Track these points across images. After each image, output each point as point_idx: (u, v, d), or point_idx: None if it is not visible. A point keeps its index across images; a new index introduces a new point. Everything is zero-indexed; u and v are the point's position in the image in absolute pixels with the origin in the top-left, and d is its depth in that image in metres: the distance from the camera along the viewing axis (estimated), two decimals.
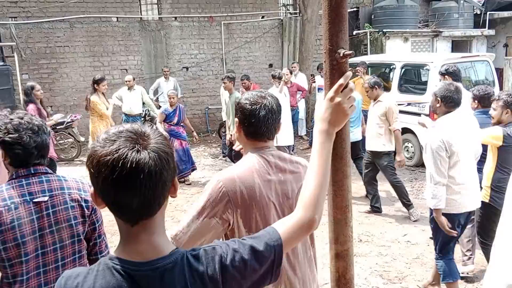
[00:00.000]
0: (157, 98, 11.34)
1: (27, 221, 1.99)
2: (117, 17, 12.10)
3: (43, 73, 11.48)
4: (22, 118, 2.07)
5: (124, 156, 1.07)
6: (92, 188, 1.15)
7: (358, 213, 6.24)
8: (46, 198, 2.04)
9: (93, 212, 2.15)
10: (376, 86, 6.09)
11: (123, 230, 1.17)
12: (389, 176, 6.19)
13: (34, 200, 2.02)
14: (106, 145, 1.09)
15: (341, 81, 1.41)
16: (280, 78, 7.91)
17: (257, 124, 1.97)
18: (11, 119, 2.05)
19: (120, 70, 12.17)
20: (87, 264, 2.16)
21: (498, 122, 4.09)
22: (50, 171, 2.14)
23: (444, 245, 3.92)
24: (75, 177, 2.21)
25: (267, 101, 2.01)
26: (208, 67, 13.14)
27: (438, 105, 3.86)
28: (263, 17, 13.62)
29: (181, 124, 8.12)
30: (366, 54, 13.17)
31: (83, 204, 2.12)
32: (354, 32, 14.05)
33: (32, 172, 2.07)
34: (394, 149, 6.15)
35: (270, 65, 13.77)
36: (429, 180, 3.76)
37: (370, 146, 6.26)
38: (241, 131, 2.03)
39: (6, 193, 2.01)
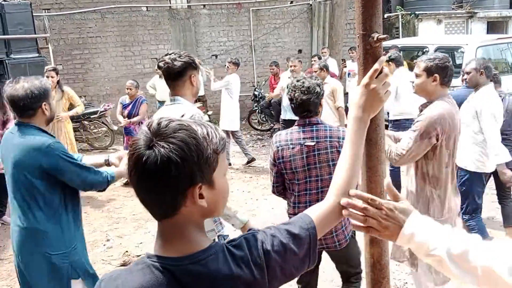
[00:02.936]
0: None
1: (299, 158, 2.94)
2: (146, 7, 12.20)
3: (76, 64, 11.71)
4: (298, 81, 2.99)
5: (139, 154, 1.05)
6: None
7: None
8: (313, 143, 2.90)
9: None
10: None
11: (159, 227, 1.16)
12: None
13: (305, 144, 2.92)
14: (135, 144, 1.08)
15: (375, 66, 1.38)
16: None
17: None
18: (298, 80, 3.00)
19: (150, 59, 12.30)
20: None
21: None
22: (321, 122, 2.99)
23: (474, 206, 4.40)
24: (339, 127, 3.04)
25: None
26: (237, 54, 13.12)
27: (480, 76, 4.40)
28: (291, 2, 13.48)
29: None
30: (398, 37, 12.90)
31: (340, 149, 2.50)
32: (385, 15, 13.76)
33: (307, 122, 2.97)
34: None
35: (300, 51, 13.66)
36: (492, 141, 4.19)
37: None
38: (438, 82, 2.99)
39: (289, 136, 2.98)
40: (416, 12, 13.03)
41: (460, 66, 8.31)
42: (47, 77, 6.58)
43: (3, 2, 7.66)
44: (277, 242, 1.21)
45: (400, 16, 13.36)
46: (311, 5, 13.56)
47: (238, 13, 12.99)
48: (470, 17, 13.55)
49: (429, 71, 3.00)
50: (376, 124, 1.47)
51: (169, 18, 12.43)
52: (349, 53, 11.21)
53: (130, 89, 7.42)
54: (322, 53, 11.08)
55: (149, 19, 12.25)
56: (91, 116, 10.20)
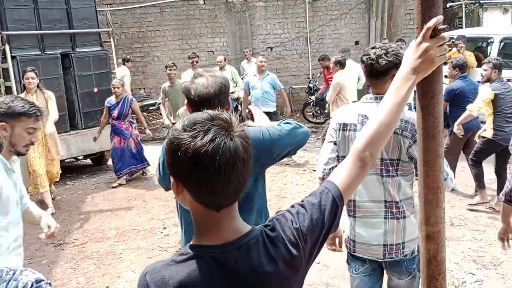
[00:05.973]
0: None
1: None
2: (203, 0, 12.38)
3: (136, 57, 12.09)
4: None
5: (223, 144, 1.10)
6: (172, 179, 1.18)
7: (451, 196, 5.96)
8: None
9: None
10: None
11: (205, 218, 1.19)
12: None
13: None
14: (200, 135, 1.10)
15: (429, 24, 1.32)
16: None
17: None
18: None
19: (206, 52, 12.50)
20: None
21: (488, 80, 5.42)
22: None
23: None
24: None
25: None
26: (292, 46, 13.08)
27: None
28: None
29: (127, 119, 7.36)
30: (461, 27, 12.38)
31: None
32: (448, 5, 13.23)
33: None
34: None
35: (357, 42, 13.41)
36: None
37: None
38: None
39: None
40: (481, 1, 12.44)
41: None
42: (26, 78, 6.10)
43: None
44: (302, 218, 1.27)
45: (463, 6, 12.81)
46: None
47: (294, 5, 12.92)
48: None
49: None
50: (434, 117, 1.42)
51: (225, 11, 12.56)
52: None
53: (117, 87, 7.27)
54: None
55: (206, 12, 12.43)
56: (150, 108, 10.51)
